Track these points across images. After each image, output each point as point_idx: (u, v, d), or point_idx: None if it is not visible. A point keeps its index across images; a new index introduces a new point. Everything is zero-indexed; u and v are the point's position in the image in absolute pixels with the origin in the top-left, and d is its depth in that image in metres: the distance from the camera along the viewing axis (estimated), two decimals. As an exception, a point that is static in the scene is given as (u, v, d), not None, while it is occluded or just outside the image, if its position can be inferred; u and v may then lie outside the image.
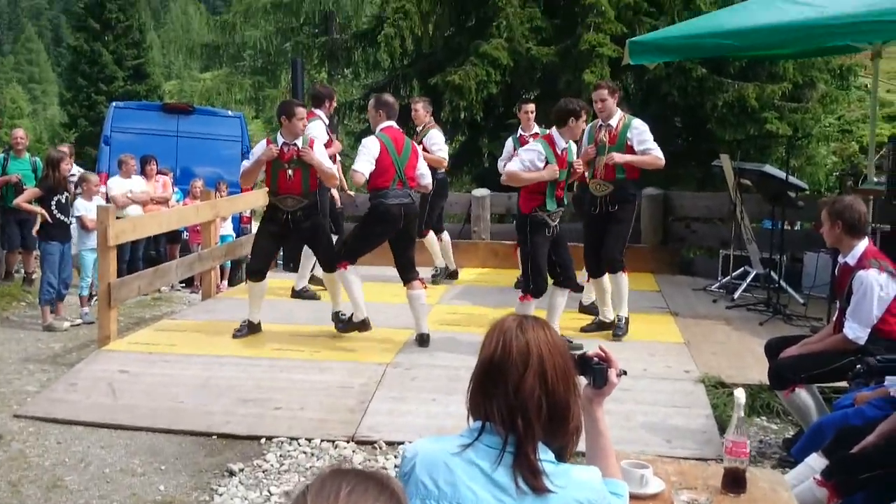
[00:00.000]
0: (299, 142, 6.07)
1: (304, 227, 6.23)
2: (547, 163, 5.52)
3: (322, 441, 4.63)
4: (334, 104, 7.74)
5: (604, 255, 6.07)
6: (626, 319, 6.18)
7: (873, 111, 8.35)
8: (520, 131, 7.69)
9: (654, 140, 5.99)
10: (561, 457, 1.80)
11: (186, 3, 58.59)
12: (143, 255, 9.66)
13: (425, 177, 6.18)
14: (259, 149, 6.16)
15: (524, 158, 5.58)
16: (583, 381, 2.03)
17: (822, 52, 9.10)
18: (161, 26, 53.36)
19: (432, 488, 1.75)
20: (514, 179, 5.62)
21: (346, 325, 6.12)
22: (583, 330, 6.39)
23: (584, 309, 6.87)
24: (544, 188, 5.59)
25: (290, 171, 6.04)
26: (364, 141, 5.94)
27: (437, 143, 7.67)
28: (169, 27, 51.64)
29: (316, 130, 6.97)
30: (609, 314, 6.36)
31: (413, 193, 6.06)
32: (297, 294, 7.70)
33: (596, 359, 2.07)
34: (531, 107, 7.79)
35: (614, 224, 6.02)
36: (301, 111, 6.10)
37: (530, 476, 1.72)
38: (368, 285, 7.96)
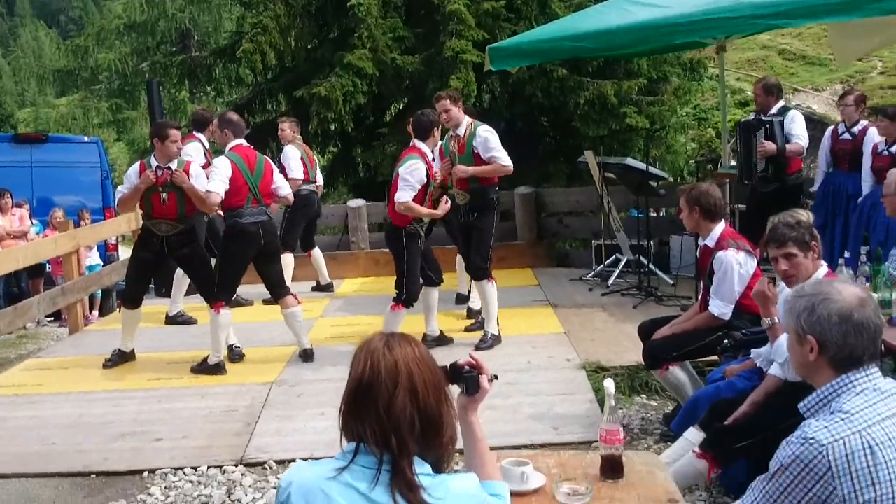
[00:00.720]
0: (174, 164, 5.88)
1: (180, 255, 6.06)
2: (428, 180, 5.64)
3: (209, 468, 4.48)
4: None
5: (469, 265, 6.13)
6: (493, 336, 6.04)
7: (723, 100, 8.84)
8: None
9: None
10: (438, 468, 1.80)
11: (37, 28, 55.59)
12: (3, 292, 9.15)
13: (282, 188, 6.07)
14: (133, 174, 5.91)
15: (413, 183, 5.57)
16: (456, 389, 2.03)
17: (672, 49, 9.55)
18: (11, 53, 50.40)
19: None
20: (412, 211, 5.62)
21: (200, 366, 5.88)
22: (467, 330, 6.47)
23: (471, 313, 6.94)
24: (420, 200, 5.65)
25: (164, 195, 5.84)
26: (215, 162, 5.84)
27: (291, 160, 7.60)
28: (19, 54, 48.84)
29: (194, 152, 6.85)
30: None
31: (269, 210, 5.96)
32: (172, 320, 7.45)
33: (467, 367, 2.08)
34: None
35: (475, 233, 6.04)
36: (174, 133, 5.88)
37: (408, 492, 1.71)
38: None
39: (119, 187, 6.07)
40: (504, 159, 5.91)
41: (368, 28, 10.13)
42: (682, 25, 6.43)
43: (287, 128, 7.84)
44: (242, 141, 5.90)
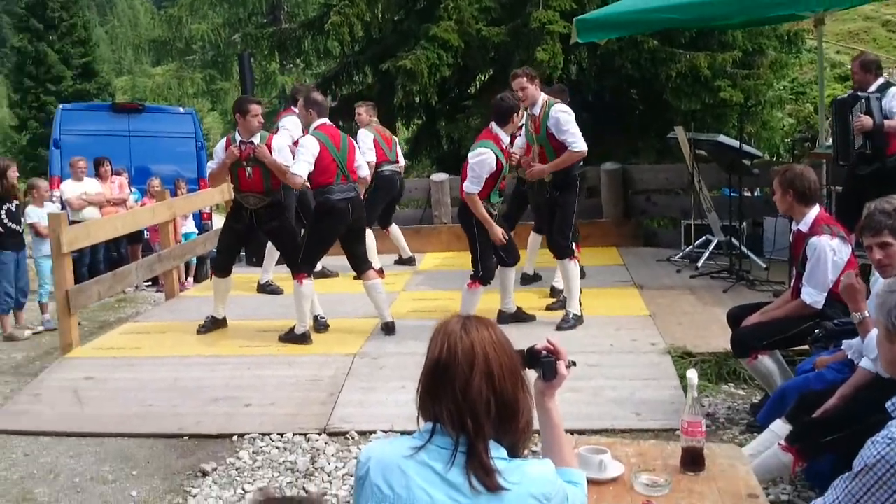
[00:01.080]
0: (256, 139, 6.02)
1: (268, 228, 6.24)
2: (499, 162, 5.62)
3: (294, 435, 4.63)
4: None
5: (550, 242, 6.08)
6: (575, 316, 5.97)
7: (821, 75, 8.47)
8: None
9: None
10: (513, 453, 1.81)
11: (132, -2, 57.24)
12: (104, 256, 9.53)
13: (363, 168, 6.18)
14: (220, 149, 6.11)
15: (480, 174, 5.58)
16: (533, 374, 2.03)
17: (768, 21, 9.21)
18: (108, 22, 52.02)
19: (387, 492, 1.76)
20: (474, 205, 5.66)
21: (287, 336, 6.04)
22: (549, 308, 6.45)
23: (554, 292, 6.92)
24: (492, 184, 5.67)
25: (248, 169, 6.01)
26: (302, 141, 5.93)
27: (363, 144, 7.59)
28: (116, 23, 50.37)
29: (291, 126, 7.06)
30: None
31: (356, 187, 6.03)
32: (262, 288, 7.68)
33: (545, 352, 2.06)
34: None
35: (558, 209, 5.99)
36: (255, 108, 6.04)
37: (483, 475, 1.72)
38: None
39: (209, 163, 6.27)
40: (577, 143, 5.75)
41: (454, -1, 10.08)
42: (780, -3, 6.18)
43: (363, 112, 7.92)
44: (326, 120, 6.03)
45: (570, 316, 5.95)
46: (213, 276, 6.57)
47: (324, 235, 6.02)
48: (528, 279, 7.35)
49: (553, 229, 6.02)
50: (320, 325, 6.29)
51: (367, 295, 6.15)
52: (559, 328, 5.85)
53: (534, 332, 5.77)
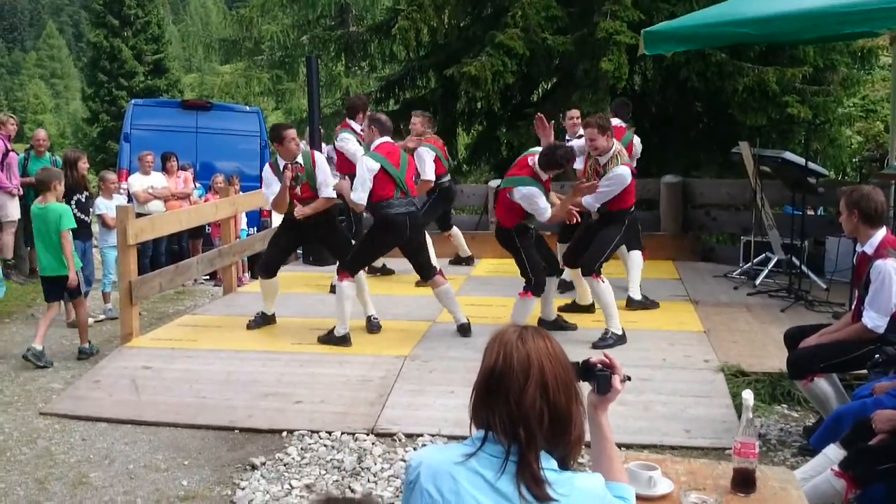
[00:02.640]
0: (300, 159, 6.20)
1: (316, 236, 6.46)
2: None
3: (343, 434, 4.68)
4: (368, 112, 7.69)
5: (584, 258, 6.05)
6: (615, 335, 5.81)
7: (894, 94, 8.22)
8: (567, 137, 7.64)
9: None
10: (564, 465, 1.81)
11: (205, -4, 58.47)
12: (165, 249, 9.75)
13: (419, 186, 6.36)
14: (269, 176, 6.24)
15: (542, 206, 5.62)
16: (586, 386, 2.03)
17: (841, 38, 8.98)
18: (181, 20, 53.35)
19: (437, 497, 1.77)
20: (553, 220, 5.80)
21: (327, 337, 6.07)
22: (560, 309, 6.50)
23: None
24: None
25: (297, 189, 6.18)
26: (359, 164, 6.04)
27: (426, 163, 7.57)
28: (188, 21, 51.64)
29: (349, 144, 7.41)
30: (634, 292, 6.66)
31: (416, 201, 6.11)
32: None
33: (600, 365, 2.06)
34: (575, 113, 7.83)
35: (599, 236, 6.04)
36: (290, 133, 6.21)
37: (533, 485, 1.73)
38: (386, 279, 8.10)
39: (265, 192, 6.34)
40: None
41: (522, 7, 10.07)
42: (855, 14, 6.00)
43: (419, 123, 7.75)
44: (387, 139, 6.12)
45: (609, 334, 5.82)
46: (259, 278, 6.63)
47: (377, 246, 6.21)
48: (564, 286, 7.26)
49: (587, 252, 6.04)
50: (373, 326, 6.35)
51: (421, 297, 6.21)
52: (595, 346, 5.68)
53: (578, 344, 5.77)
